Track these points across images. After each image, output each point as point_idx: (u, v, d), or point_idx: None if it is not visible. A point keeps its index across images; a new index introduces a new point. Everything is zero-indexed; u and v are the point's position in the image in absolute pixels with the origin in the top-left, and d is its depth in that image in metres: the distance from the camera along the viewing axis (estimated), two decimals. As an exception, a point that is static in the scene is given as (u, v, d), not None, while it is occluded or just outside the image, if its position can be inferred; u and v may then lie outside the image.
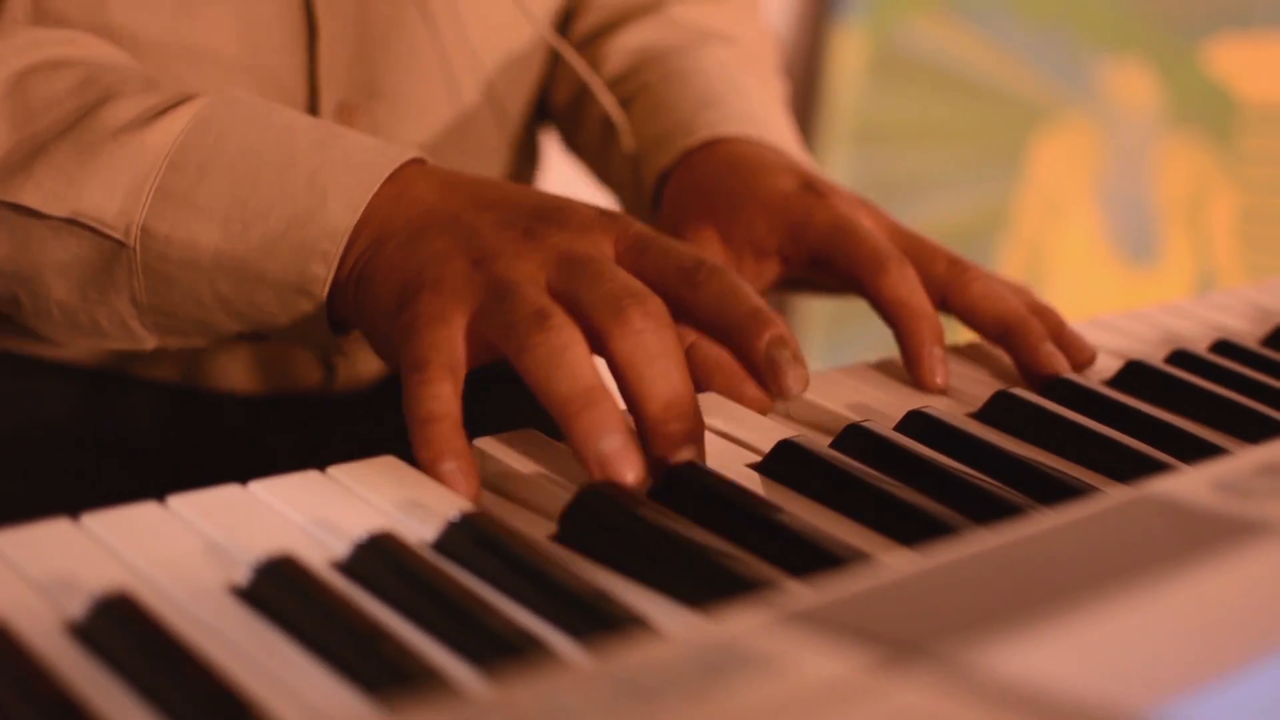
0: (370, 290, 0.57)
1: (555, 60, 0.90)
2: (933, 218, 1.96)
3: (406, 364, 0.53)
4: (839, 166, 1.93)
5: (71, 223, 0.60)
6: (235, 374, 0.83)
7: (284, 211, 0.58)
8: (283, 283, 0.58)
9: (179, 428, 0.83)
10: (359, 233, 0.58)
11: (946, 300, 0.68)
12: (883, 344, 0.66)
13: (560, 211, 0.56)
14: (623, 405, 0.53)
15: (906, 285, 0.65)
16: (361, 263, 0.57)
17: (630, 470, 0.50)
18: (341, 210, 0.57)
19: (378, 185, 0.58)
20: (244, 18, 0.73)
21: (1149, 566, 0.38)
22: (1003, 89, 1.97)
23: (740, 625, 0.34)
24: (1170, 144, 2.02)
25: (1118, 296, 2.03)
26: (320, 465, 0.51)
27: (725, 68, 0.84)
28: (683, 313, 0.55)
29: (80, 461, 0.81)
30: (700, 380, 0.63)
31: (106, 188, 0.59)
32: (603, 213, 0.57)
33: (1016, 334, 0.67)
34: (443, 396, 0.52)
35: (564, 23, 0.91)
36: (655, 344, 0.52)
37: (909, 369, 0.65)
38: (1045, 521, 0.41)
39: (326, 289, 0.58)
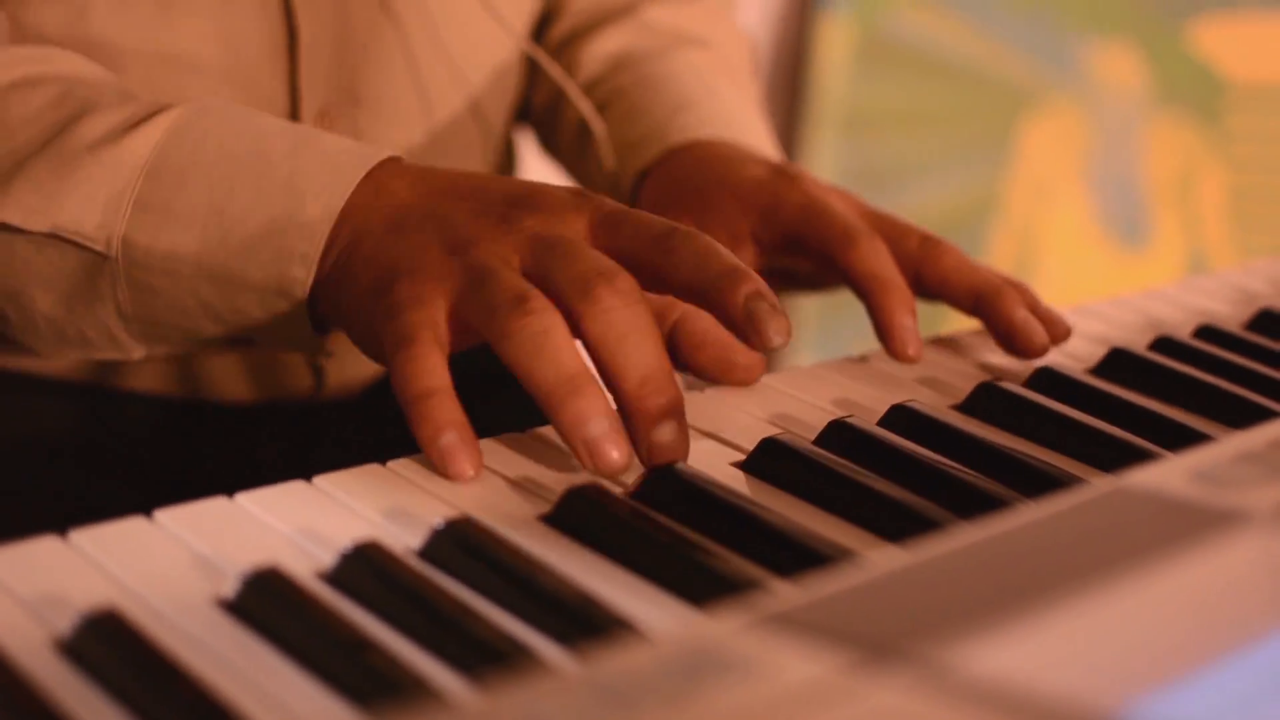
0: (349, 286, 0.57)
1: (532, 65, 0.90)
2: (922, 204, 1.97)
3: (391, 344, 0.53)
4: (827, 155, 1.93)
5: (53, 237, 0.60)
6: (225, 382, 0.83)
7: (262, 216, 0.58)
8: (264, 286, 0.59)
9: (170, 438, 0.83)
10: (336, 233, 0.58)
11: (920, 276, 0.68)
12: (875, 336, 0.66)
13: (534, 196, 0.57)
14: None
15: (877, 258, 0.66)
16: (340, 261, 0.58)
17: (616, 452, 0.51)
18: (319, 212, 0.58)
19: (353, 186, 0.58)
20: (224, 26, 0.73)
21: (1125, 560, 0.38)
22: (989, 74, 1.97)
23: (718, 629, 0.34)
24: (1158, 125, 2.02)
25: (1109, 279, 2.03)
26: (311, 472, 0.52)
27: (699, 71, 0.84)
28: (660, 281, 0.55)
29: (73, 474, 0.81)
30: (688, 356, 0.63)
31: (85, 201, 0.59)
32: (576, 193, 0.57)
33: (991, 302, 0.67)
34: (434, 370, 0.52)
35: (539, 28, 0.91)
36: (626, 321, 0.52)
37: (881, 341, 0.65)
38: (1022, 516, 0.41)
39: (307, 290, 0.58)
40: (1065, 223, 2.03)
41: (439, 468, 0.52)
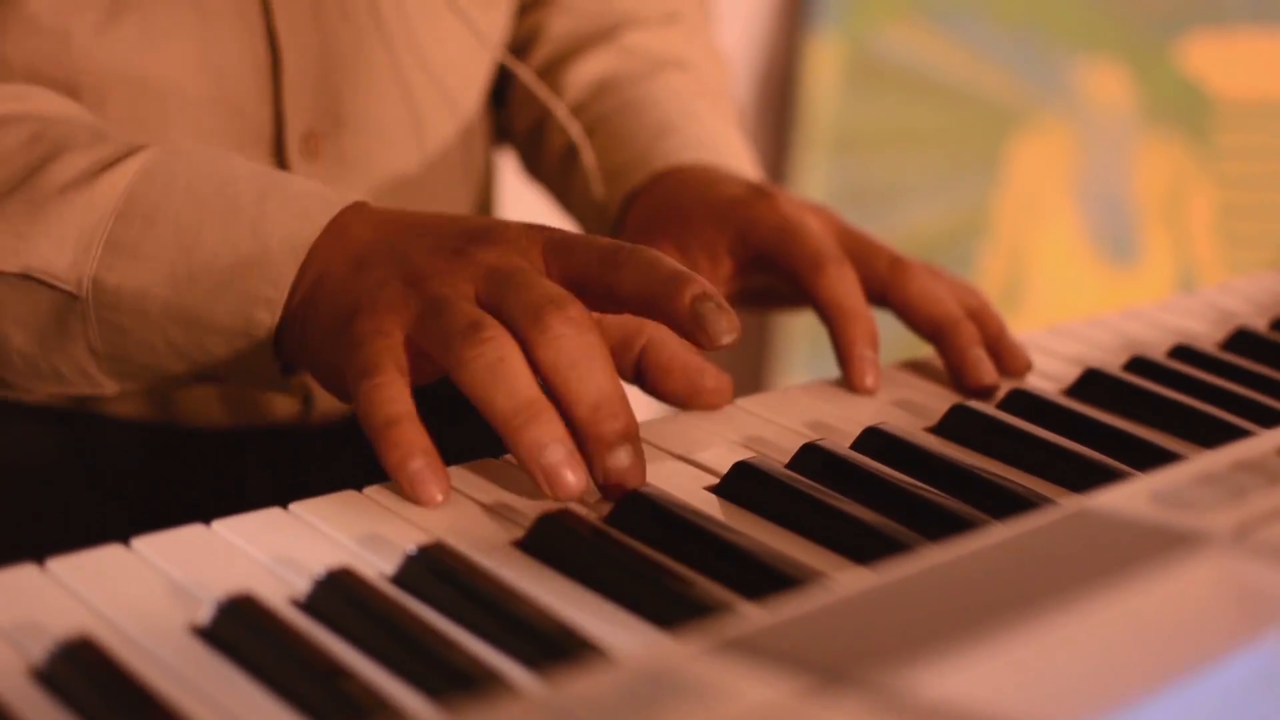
0: (313, 326, 0.58)
1: (514, 88, 0.91)
2: (912, 224, 1.97)
3: (354, 376, 0.54)
4: (816, 175, 1.94)
5: (25, 278, 0.61)
6: (211, 408, 0.83)
7: (228, 259, 0.60)
8: (230, 329, 0.60)
9: (156, 464, 0.83)
10: (301, 277, 0.59)
11: (886, 298, 0.70)
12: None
13: (489, 230, 0.58)
14: None
15: (843, 286, 0.66)
16: (304, 303, 0.59)
17: (573, 477, 0.52)
18: (284, 257, 0.59)
19: (319, 232, 0.60)
20: (207, 51, 0.73)
21: (1082, 582, 0.39)
22: (978, 93, 1.98)
23: (675, 653, 0.34)
24: (1147, 142, 2.02)
25: (1099, 297, 2.03)
26: (299, 499, 0.52)
27: (679, 95, 0.85)
28: (611, 297, 0.56)
29: (58, 501, 0.82)
30: (656, 383, 0.64)
31: (57, 243, 0.61)
32: (529, 226, 0.59)
33: (947, 336, 0.68)
34: (398, 397, 0.53)
35: (518, 53, 0.92)
36: (577, 348, 0.53)
37: (841, 368, 0.66)
38: (983, 539, 0.42)
39: (272, 332, 0.60)
40: (1055, 241, 2.03)
41: (408, 493, 0.52)
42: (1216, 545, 0.42)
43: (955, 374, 0.68)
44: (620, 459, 0.53)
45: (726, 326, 0.55)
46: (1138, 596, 0.39)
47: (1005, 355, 0.69)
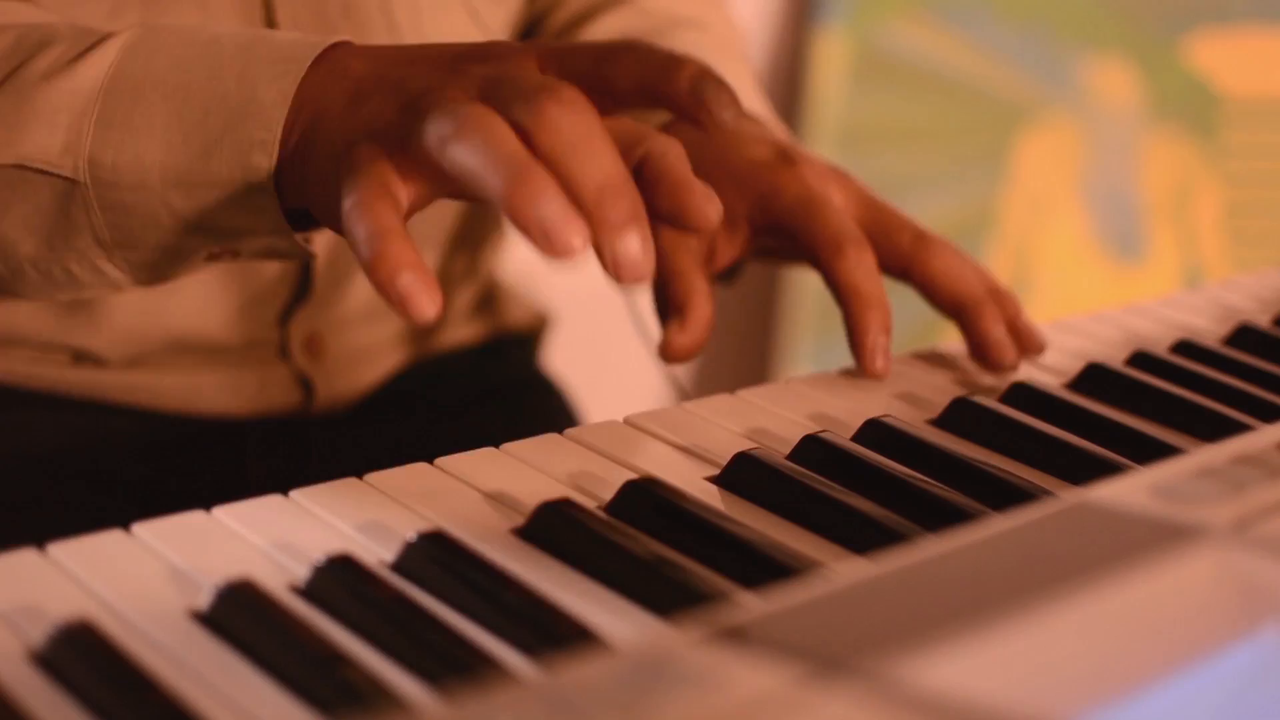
0: (313, 161, 0.57)
1: None
2: (918, 219, 1.97)
3: (341, 196, 0.53)
4: (823, 170, 1.94)
5: (20, 169, 0.60)
6: (213, 397, 0.84)
7: (219, 113, 0.58)
8: (229, 180, 0.59)
9: (158, 453, 0.83)
10: (295, 117, 0.58)
11: (909, 273, 0.69)
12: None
13: (484, 48, 0.57)
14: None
15: (861, 271, 0.66)
16: (302, 142, 0.58)
17: (575, 235, 0.48)
18: (273, 99, 0.58)
19: (304, 69, 0.58)
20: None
21: (1080, 574, 0.39)
22: (985, 89, 1.97)
23: (673, 641, 0.34)
24: (1154, 139, 2.02)
25: (1105, 293, 2.03)
26: (300, 488, 0.52)
27: (699, 50, 0.85)
28: (609, 93, 0.55)
29: (61, 489, 0.82)
30: (648, 194, 0.60)
31: (47, 128, 0.60)
32: (525, 42, 0.58)
33: (970, 313, 0.68)
34: (384, 212, 0.51)
35: (537, 23, 0.92)
36: (574, 128, 0.51)
37: (853, 352, 0.66)
38: (982, 530, 0.42)
39: (270, 176, 0.58)
40: (1061, 238, 2.03)
41: (399, 310, 0.50)
42: (1215, 539, 0.42)
43: (976, 352, 0.68)
44: (631, 246, 0.50)
45: (728, 101, 0.54)
46: (1136, 589, 0.39)
47: (1022, 336, 0.69)
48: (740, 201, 0.71)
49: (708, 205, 0.58)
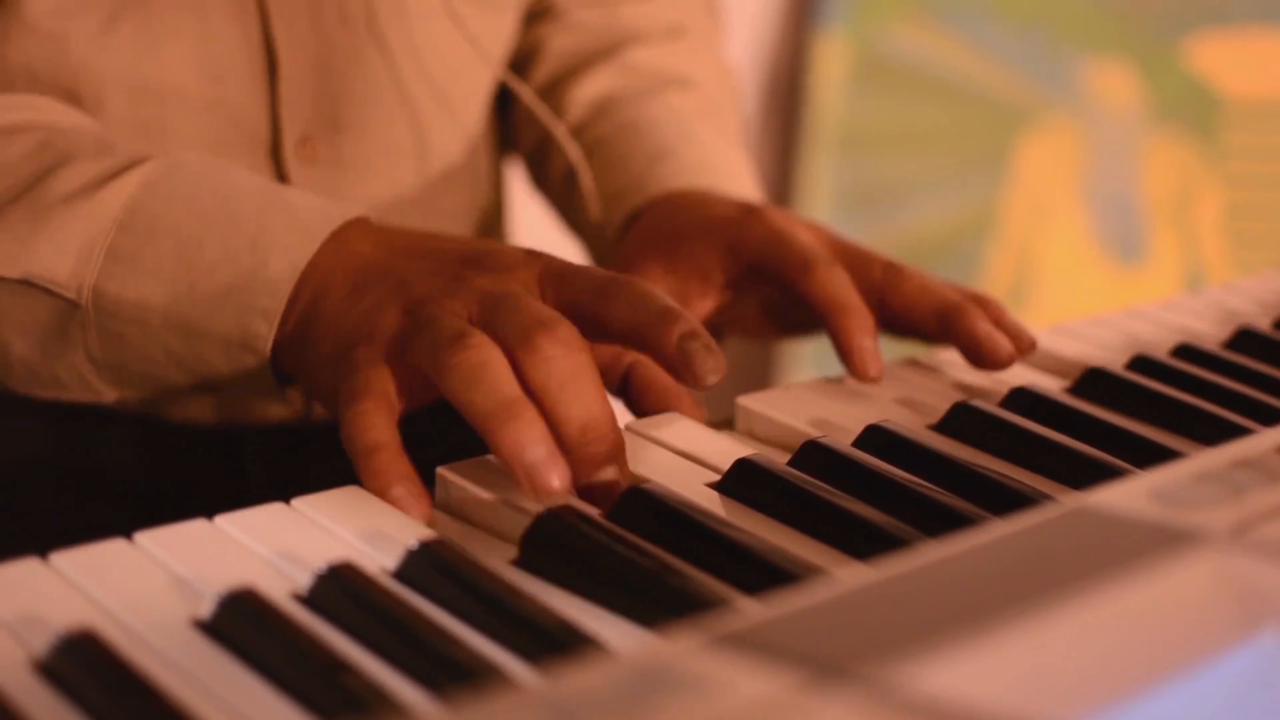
0: (312, 345, 0.59)
1: (518, 102, 0.91)
2: (919, 223, 1.97)
3: (342, 403, 0.56)
4: (824, 174, 1.94)
5: (26, 284, 0.62)
6: (213, 406, 0.84)
7: (228, 272, 0.61)
8: (227, 340, 0.61)
9: (158, 461, 0.84)
10: (300, 290, 0.60)
11: (884, 304, 0.69)
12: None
13: (487, 256, 0.59)
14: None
15: (834, 282, 0.67)
16: (303, 320, 0.60)
17: (555, 477, 0.51)
18: (283, 270, 0.60)
19: (318, 245, 0.60)
20: (204, 54, 0.74)
21: (1079, 579, 0.39)
22: (985, 92, 1.98)
23: (673, 648, 0.35)
24: (1154, 142, 2.02)
25: (1107, 296, 2.03)
26: (299, 495, 0.53)
27: (679, 116, 0.86)
28: (602, 328, 0.57)
29: (61, 498, 0.82)
30: (635, 400, 0.66)
31: (59, 250, 0.62)
32: (528, 253, 0.60)
33: (955, 319, 0.67)
34: (379, 425, 0.54)
35: (519, 69, 0.92)
36: (565, 369, 0.54)
37: (843, 363, 0.66)
38: (981, 535, 0.42)
39: (269, 345, 0.61)
40: (1062, 241, 2.03)
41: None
42: (1214, 543, 0.42)
43: (970, 354, 0.67)
44: (607, 477, 0.54)
45: (712, 366, 0.56)
46: (1135, 593, 0.39)
47: (1010, 335, 0.68)
48: (711, 254, 0.72)
49: (694, 412, 0.64)
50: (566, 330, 0.55)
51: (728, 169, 0.82)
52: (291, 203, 0.62)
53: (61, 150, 0.64)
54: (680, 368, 0.56)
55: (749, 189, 0.82)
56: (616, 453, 0.54)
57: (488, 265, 0.59)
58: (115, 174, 0.62)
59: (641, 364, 0.64)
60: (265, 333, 0.60)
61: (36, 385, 0.66)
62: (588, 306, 0.57)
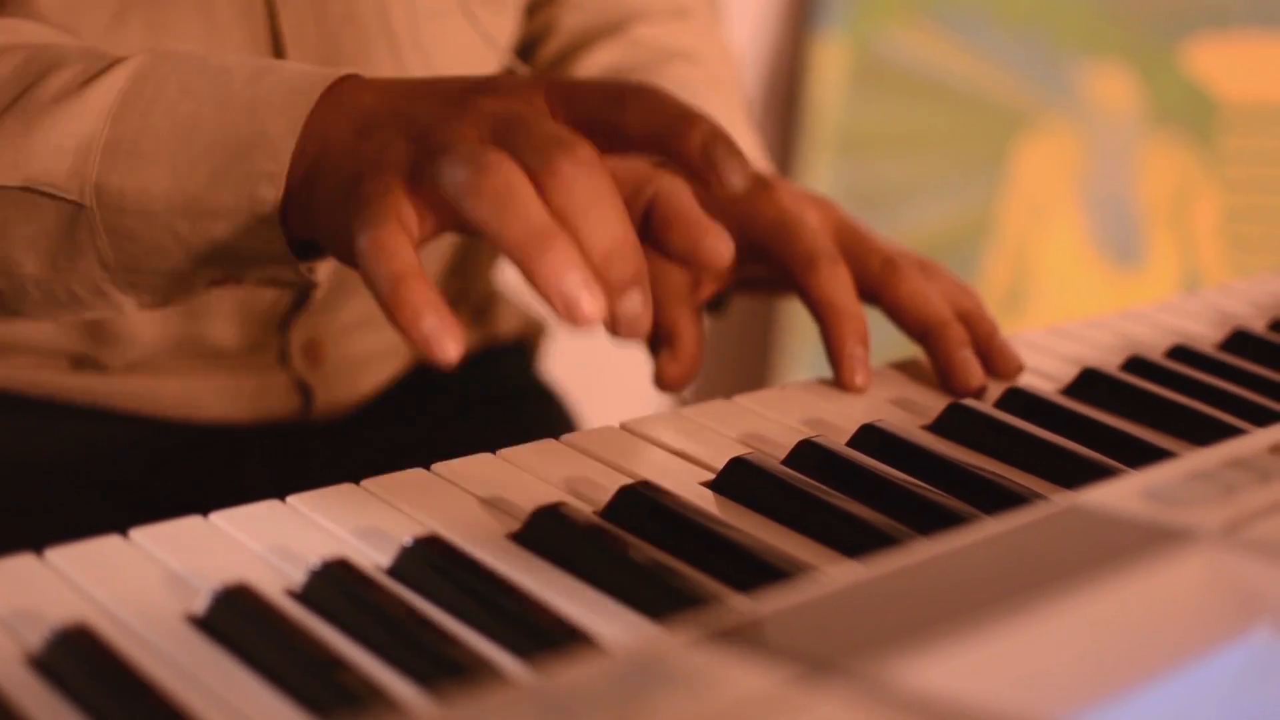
0: (320, 193, 0.57)
1: None
2: (917, 226, 1.97)
3: (356, 233, 0.53)
4: (822, 177, 1.94)
5: (26, 191, 0.61)
6: (213, 403, 0.84)
7: (227, 144, 0.59)
8: (234, 210, 0.59)
9: (158, 459, 0.84)
10: (302, 149, 0.58)
11: (877, 298, 0.70)
12: (876, 352, 0.67)
13: (491, 81, 0.57)
14: None
15: (835, 284, 0.67)
16: (309, 174, 0.58)
17: (592, 303, 0.49)
18: (281, 131, 0.58)
19: (313, 102, 0.58)
20: (210, 49, 0.74)
21: (1070, 576, 0.39)
22: (983, 95, 1.98)
23: (664, 643, 0.35)
24: (1152, 145, 2.02)
25: (1105, 299, 2.03)
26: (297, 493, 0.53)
27: (687, 85, 0.85)
28: (618, 137, 0.55)
29: (60, 494, 0.82)
30: (659, 235, 0.63)
31: (55, 151, 0.60)
32: (532, 75, 0.58)
33: (933, 337, 0.68)
34: (401, 252, 0.51)
35: (530, 49, 0.92)
36: (588, 192, 0.52)
37: (832, 367, 0.66)
38: (974, 533, 0.42)
39: (277, 208, 0.58)
40: (1060, 244, 2.03)
41: (424, 352, 0.50)
42: (1206, 541, 0.42)
43: (941, 375, 0.68)
44: (631, 305, 0.52)
45: (736, 166, 0.54)
46: (1127, 591, 0.39)
47: (996, 357, 0.69)
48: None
49: (720, 244, 0.61)
50: (586, 150, 0.52)
51: (736, 133, 0.82)
52: (282, 69, 0.60)
53: (48, 60, 0.62)
54: (704, 169, 0.54)
55: (756, 160, 0.82)
56: (640, 277, 0.52)
57: (493, 89, 0.56)
58: (104, 70, 0.61)
59: (662, 198, 0.61)
60: (271, 196, 0.58)
61: (54, 306, 0.64)
62: (603, 117, 0.55)
